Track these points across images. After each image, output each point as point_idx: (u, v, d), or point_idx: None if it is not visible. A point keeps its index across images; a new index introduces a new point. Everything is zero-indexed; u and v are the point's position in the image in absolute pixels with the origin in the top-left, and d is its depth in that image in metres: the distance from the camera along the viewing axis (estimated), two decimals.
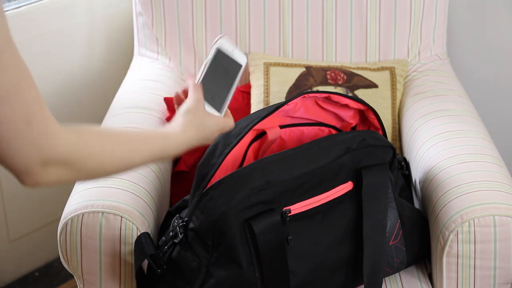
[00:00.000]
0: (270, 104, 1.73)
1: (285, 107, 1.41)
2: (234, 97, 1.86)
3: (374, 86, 1.82)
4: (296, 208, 1.30)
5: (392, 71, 1.86)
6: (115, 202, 1.34)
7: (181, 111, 1.12)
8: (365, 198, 1.35)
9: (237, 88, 1.90)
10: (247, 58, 1.16)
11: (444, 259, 1.36)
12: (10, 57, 0.82)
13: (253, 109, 1.79)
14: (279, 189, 1.27)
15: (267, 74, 1.82)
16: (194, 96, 1.14)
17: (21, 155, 0.87)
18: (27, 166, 0.88)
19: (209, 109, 1.16)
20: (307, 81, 1.80)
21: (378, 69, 1.86)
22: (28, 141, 0.86)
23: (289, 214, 1.28)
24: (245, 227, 1.25)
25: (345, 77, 1.82)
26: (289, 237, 1.27)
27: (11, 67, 0.83)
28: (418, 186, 1.54)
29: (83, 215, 1.33)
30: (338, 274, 1.35)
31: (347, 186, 1.36)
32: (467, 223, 1.33)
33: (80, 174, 0.93)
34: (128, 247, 1.34)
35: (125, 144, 0.99)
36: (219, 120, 1.16)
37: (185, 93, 1.18)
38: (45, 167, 0.89)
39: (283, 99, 1.77)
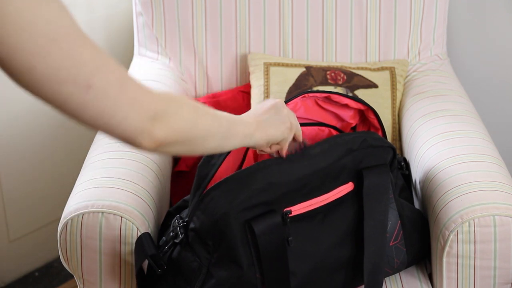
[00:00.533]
0: None
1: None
2: (234, 97, 1.86)
3: (374, 86, 1.82)
4: (297, 209, 1.30)
5: (392, 71, 1.86)
6: (115, 202, 1.34)
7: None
8: (366, 198, 1.35)
9: (237, 88, 1.90)
10: None
11: (444, 259, 1.36)
12: (85, 39, 0.86)
13: None
14: (280, 190, 1.27)
15: (267, 74, 1.82)
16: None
17: (129, 118, 0.89)
18: (138, 126, 0.90)
19: None
20: (307, 81, 1.80)
21: (378, 69, 1.86)
22: (130, 100, 0.88)
23: (290, 215, 1.28)
24: (245, 228, 1.25)
25: (345, 77, 1.82)
26: (289, 238, 1.27)
27: (92, 46, 0.86)
28: (418, 186, 1.54)
29: (83, 215, 1.33)
30: (338, 275, 1.35)
31: (348, 187, 1.36)
32: (467, 223, 1.33)
33: (186, 125, 0.97)
34: (128, 247, 1.34)
35: (206, 115, 1.04)
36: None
37: None
38: (154, 122, 0.91)
39: (283, 99, 1.77)
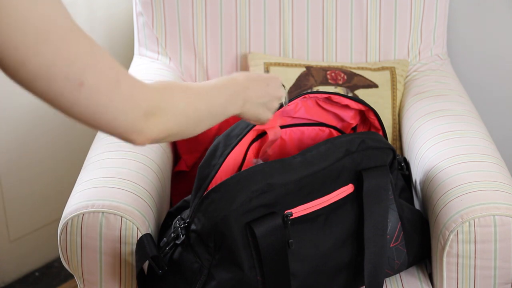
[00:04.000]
0: None
1: (285, 108, 1.41)
2: None
3: (374, 86, 1.82)
4: (298, 211, 1.30)
5: (392, 71, 1.86)
6: (115, 202, 1.34)
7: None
8: (366, 200, 1.35)
9: None
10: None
11: (445, 259, 1.36)
12: (84, 35, 0.85)
13: None
14: (280, 192, 1.27)
15: None
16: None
17: (123, 114, 0.89)
18: (132, 123, 0.90)
19: None
20: (307, 81, 1.80)
21: (378, 69, 1.86)
22: (124, 97, 0.88)
23: (290, 217, 1.28)
24: (246, 230, 1.25)
25: (345, 77, 1.82)
26: (290, 241, 1.27)
27: (86, 43, 0.85)
28: (418, 186, 1.54)
29: (83, 215, 1.33)
30: (339, 276, 1.35)
31: (348, 189, 1.36)
32: (467, 223, 1.33)
33: (178, 119, 0.97)
34: (129, 247, 1.34)
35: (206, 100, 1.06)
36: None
37: None
38: (148, 118, 0.92)
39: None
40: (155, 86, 0.95)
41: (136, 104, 0.90)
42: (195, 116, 1.03)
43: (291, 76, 1.82)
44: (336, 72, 1.83)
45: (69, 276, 2.17)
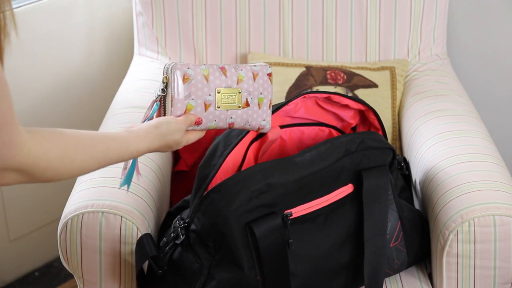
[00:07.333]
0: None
1: (285, 107, 1.41)
2: None
3: (374, 86, 1.82)
4: (297, 211, 1.30)
5: (392, 71, 1.86)
6: (115, 202, 1.34)
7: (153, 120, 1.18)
8: (365, 200, 1.35)
9: None
10: None
11: (444, 259, 1.36)
12: None
13: None
14: (279, 192, 1.27)
15: None
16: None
17: None
18: None
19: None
20: (307, 81, 1.80)
21: (378, 69, 1.86)
22: None
23: (290, 217, 1.28)
24: (246, 230, 1.25)
25: (345, 77, 1.82)
26: (290, 241, 1.27)
27: None
28: (418, 186, 1.54)
29: (83, 215, 1.33)
30: (339, 276, 1.35)
31: (348, 189, 1.36)
32: (467, 223, 1.33)
33: (35, 180, 0.97)
34: (128, 247, 1.34)
35: (86, 153, 1.03)
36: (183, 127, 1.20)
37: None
38: (2, 172, 0.93)
39: (283, 99, 1.77)
40: (33, 148, 0.94)
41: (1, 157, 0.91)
42: (72, 167, 1.03)
43: (291, 76, 1.82)
44: (336, 72, 1.83)
45: (69, 276, 2.17)
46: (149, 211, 1.39)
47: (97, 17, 2.10)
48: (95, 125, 1.94)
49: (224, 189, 1.25)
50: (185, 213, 1.34)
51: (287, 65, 1.84)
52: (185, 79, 1.20)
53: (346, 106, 1.46)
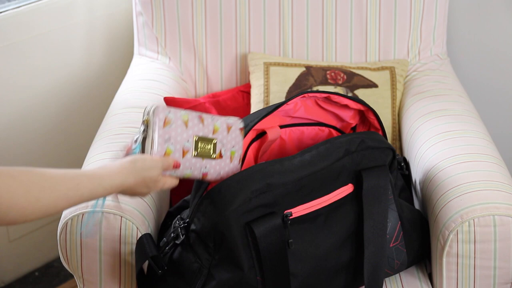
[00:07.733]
0: (270, 104, 1.73)
1: (285, 107, 1.41)
2: (233, 97, 1.86)
3: (374, 86, 1.82)
4: (297, 211, 1.30)
5: (392, 71, 1.86)
6: (115, 202, 1.34)
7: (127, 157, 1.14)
8: (365, 200, 1.35)
9: (236, 88, 1.90)
10: None
11: (444, 259, 1.36)
12: None
13: (253, 109, 1.79)
14: (279, 192, 1.27)
15: (267, 74, 1.82)
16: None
17: None
18: None
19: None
20: (307, 81, 1.80)
21: (378, 69, 1.86)
22: None
23: (290, 217, 1.28)
24: (246, 230, 1.25)
25: (345, 77, 1.82)
26: (290, 241, 1.27)
27: None
28: (418, 186, 1.54)
29: (83, 214, 1.33)
30: (339, 276, 1.35)
31: (348, 189, 1.36)
32: (467, 223, 1.33)
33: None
34: (128, 247, 1.34)
35: (53, 191, 0.99)
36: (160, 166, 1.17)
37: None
38: None
39: (283, 99, 1.77)
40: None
41: None
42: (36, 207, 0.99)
43: (290, 76, 1.82)
44: (336, 72, 1.83)
45: (68, 276, 2.17)
46: (149, 211, 1.39)
47: (97, 17, 2.10)
48: (95, 125, 1.94)
49: (224, 189, 1.25)
50: (185, 213, 1.34)
51: (287, 65, 1.84)
52: (166, 122, 1.17)
53: (346, 106, 1.46)
